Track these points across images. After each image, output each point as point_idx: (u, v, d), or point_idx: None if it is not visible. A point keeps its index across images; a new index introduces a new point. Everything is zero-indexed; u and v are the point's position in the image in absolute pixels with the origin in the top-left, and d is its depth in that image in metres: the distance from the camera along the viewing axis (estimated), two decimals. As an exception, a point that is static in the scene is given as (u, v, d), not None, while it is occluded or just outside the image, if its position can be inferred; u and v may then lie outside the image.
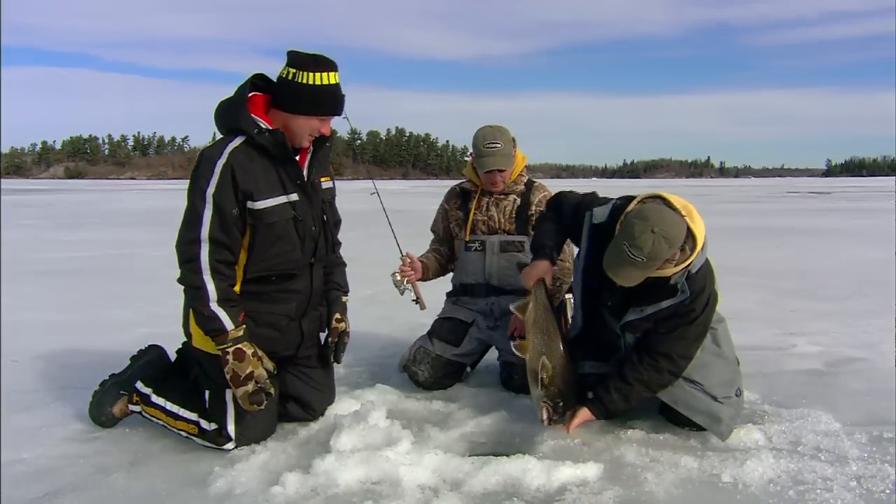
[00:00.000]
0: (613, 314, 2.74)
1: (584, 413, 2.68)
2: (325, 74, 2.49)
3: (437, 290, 3.64)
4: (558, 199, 2.96)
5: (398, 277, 3.25)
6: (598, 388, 2.70)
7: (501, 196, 3.42)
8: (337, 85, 2.55)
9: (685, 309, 2.59)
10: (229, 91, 2.62)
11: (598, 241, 2.63)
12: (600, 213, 2.67)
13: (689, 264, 2.50)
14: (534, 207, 3.37)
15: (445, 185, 3.66)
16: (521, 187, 3.43)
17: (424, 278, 3.44)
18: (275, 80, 2.57)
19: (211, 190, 2.44)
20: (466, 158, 3.70)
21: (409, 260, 3.34)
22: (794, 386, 3.37)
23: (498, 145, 3.25)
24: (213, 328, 2.46)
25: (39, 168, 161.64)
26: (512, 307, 2.88)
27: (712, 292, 2.64)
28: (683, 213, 2.46)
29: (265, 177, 2.53)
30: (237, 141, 2.50)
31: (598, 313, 2.81)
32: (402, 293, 3.25)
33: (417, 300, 3.31)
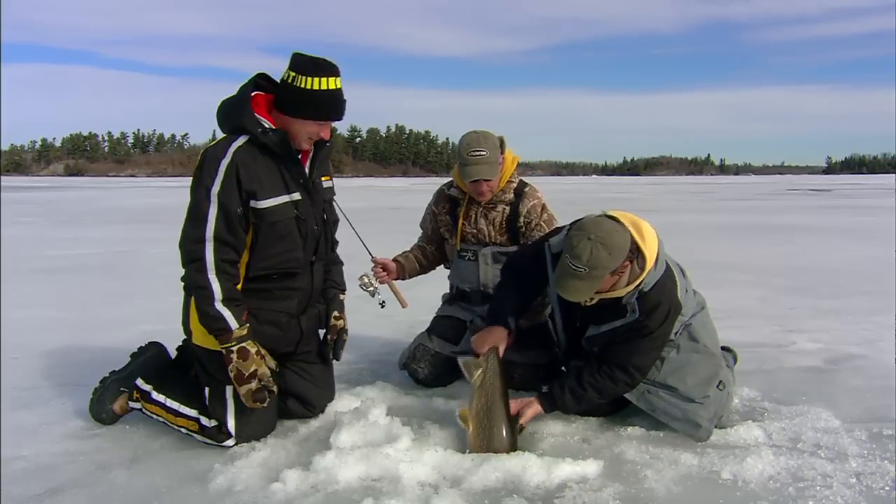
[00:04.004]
0: (583, 331, 2.76)
1: (535, 407, 2.68)
2: (326, 79, 2.49)
3: (433, 290, 3.64)
4: (509, 263, 2.96)
5: (366, 280, 3.15)
6: (553, 384, 2.72)
7: (490, 206, 3.28)
8: (338, 90, 2.54)
9: (639, 325, 2.59)
10: (229, 88, 2.63)
11: None
12: (556, 242, 2.67)
13: (640, 283, 2.52)
14: (522, 219, 3.26)
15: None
16: (510, 195, 3.27)
17: (400, 278, 3.38)
18: (278, 80, 2.57)
19: (216, 189, 2.44)
20: None
21: (381, 262, 3.28)
22: (793, 383, 3.38)
23: (483, 153, 3.07)
24: (218, 328, 2.46)
25: (39, 165, 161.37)
26: (461, 362, 2.76)
27: (672, 305, 2.61)
28: (631, 228, 2.45)
29: (268, 176, 2.53)
30: (241, 140, 2.50)
31: (578, 336, 2.80)
32: (372, 295, 3.14)
33: (385, 303, 3.18)
